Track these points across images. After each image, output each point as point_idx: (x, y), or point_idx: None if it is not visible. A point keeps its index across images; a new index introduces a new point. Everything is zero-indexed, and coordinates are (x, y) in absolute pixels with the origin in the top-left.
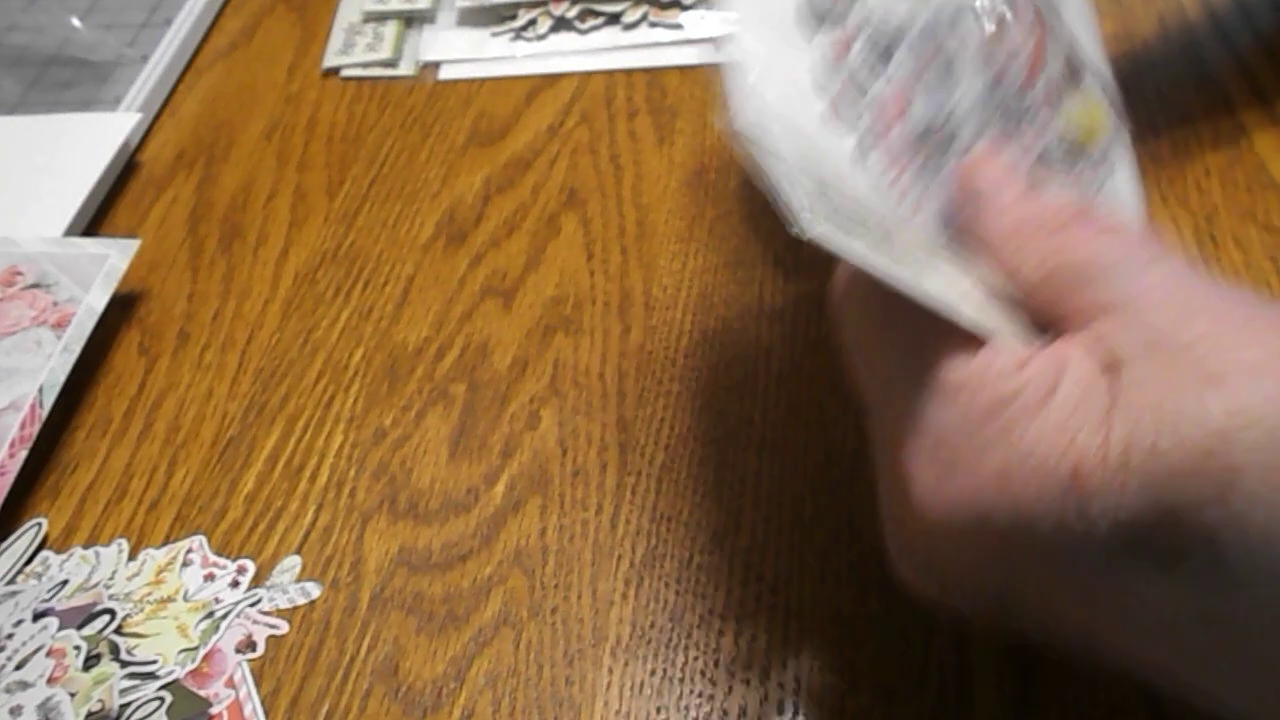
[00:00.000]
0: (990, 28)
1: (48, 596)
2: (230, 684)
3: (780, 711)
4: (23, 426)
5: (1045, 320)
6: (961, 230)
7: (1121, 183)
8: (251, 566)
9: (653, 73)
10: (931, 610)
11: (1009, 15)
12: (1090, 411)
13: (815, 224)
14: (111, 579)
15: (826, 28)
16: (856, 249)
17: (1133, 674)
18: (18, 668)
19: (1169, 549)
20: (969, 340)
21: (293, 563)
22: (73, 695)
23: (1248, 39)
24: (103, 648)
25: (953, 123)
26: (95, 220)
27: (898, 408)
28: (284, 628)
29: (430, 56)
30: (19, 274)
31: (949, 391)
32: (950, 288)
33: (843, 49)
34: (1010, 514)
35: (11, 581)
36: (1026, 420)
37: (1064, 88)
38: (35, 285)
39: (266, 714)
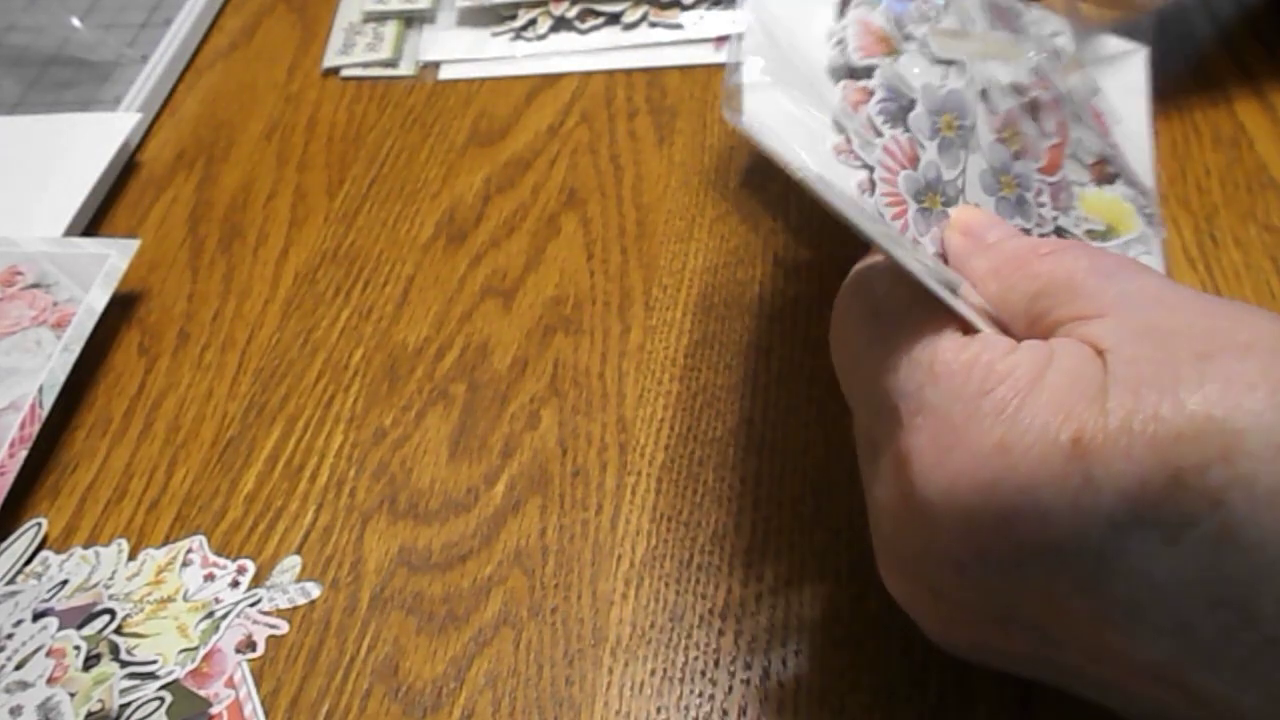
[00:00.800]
0: (1011, 105)
1: (47, 596)
2: (230, 684)
3: (780, 711)
4: (22, 426)
5: (1031, 337)
6: (952, 265)
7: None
8: (251, 566)
9: (653, 73)
10: (927, 639)
11: (1033, 99)
12: (1086, 385)
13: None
14: (111, 579)
15: (849, 80)
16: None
17: (1134, 708)
18: (17, 668)
19: (1175, 515)
20: (962, 330)
21: (293, 563)
22: (73, 695)
23: (1248, 38)
24: (103, 648)
25: (959, 184)
26: (95, 220)
27: (894, 398)
28: (284, 628)
29: (430, 56)
30: (19, 274)
31: (946, 375)
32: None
33: (862, 99)
34: (1013, 486)
35: (11, 581)
36: (1021, 396)
37: (1089, 183)
38: (35, 285)
39: (266, 714)
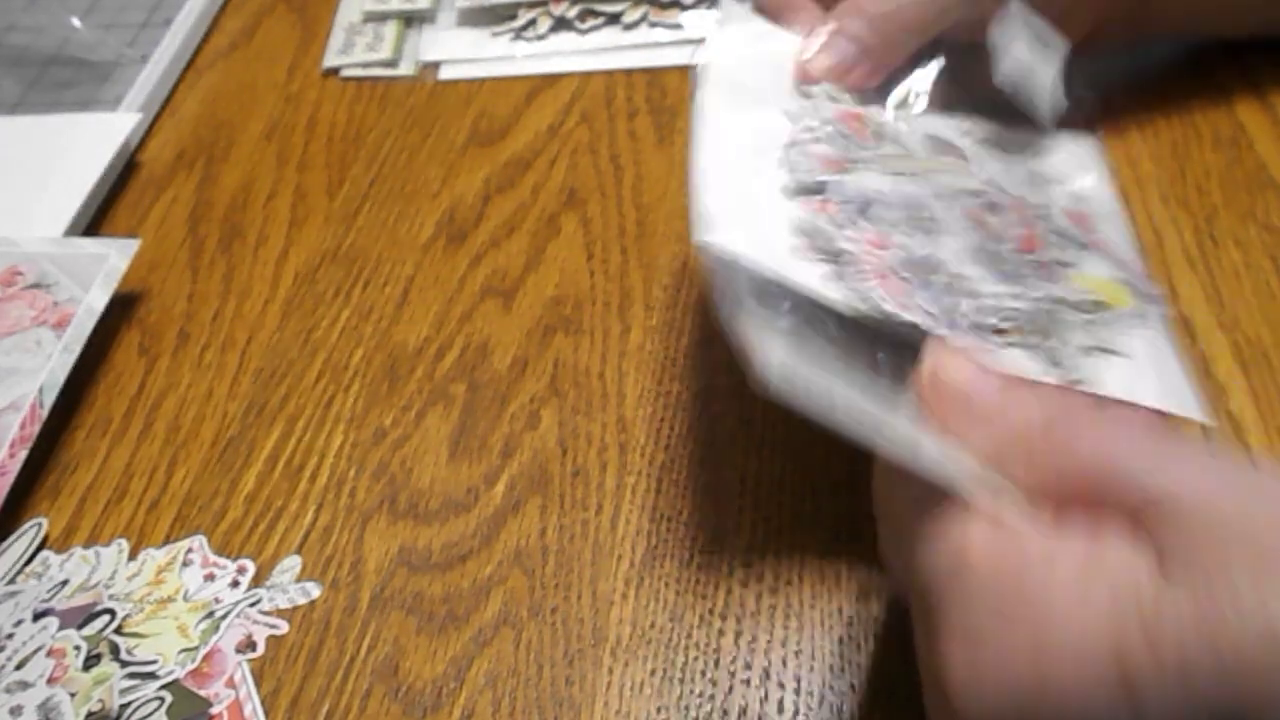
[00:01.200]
0: (969, 204)
1: (48, 596)
2: (230, 684)
3: (780, 711)
4: (23, 426)
5: (1065, 514)
6: (942, 433)
7: (1153, 347)
8: (251, 566)
9: (653, 73)
10: None
11: (991, 201)
12: (1136, 602)
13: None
14: (111, 579)
15: (807, 196)
16: (825, 386)
17: None
18: (18, 668)
19: None
20: (991, 511)
21: (293, 563)
22: (73, 695)
23: (1247, 39)
24: (103, 648)
25: (941, 256)
26: (95, 220)
27: (928, 593)
28: (284, 628)
29: (430, 56)
30: (19, 274)
31: (975, 572)
32: (950, 459)
33: (822, 208)
34: (1053, 707)
35: (11, 581)
36: (1060, 608)
37: (1073, 264)
38: (35, 285)
39: (266, 714)
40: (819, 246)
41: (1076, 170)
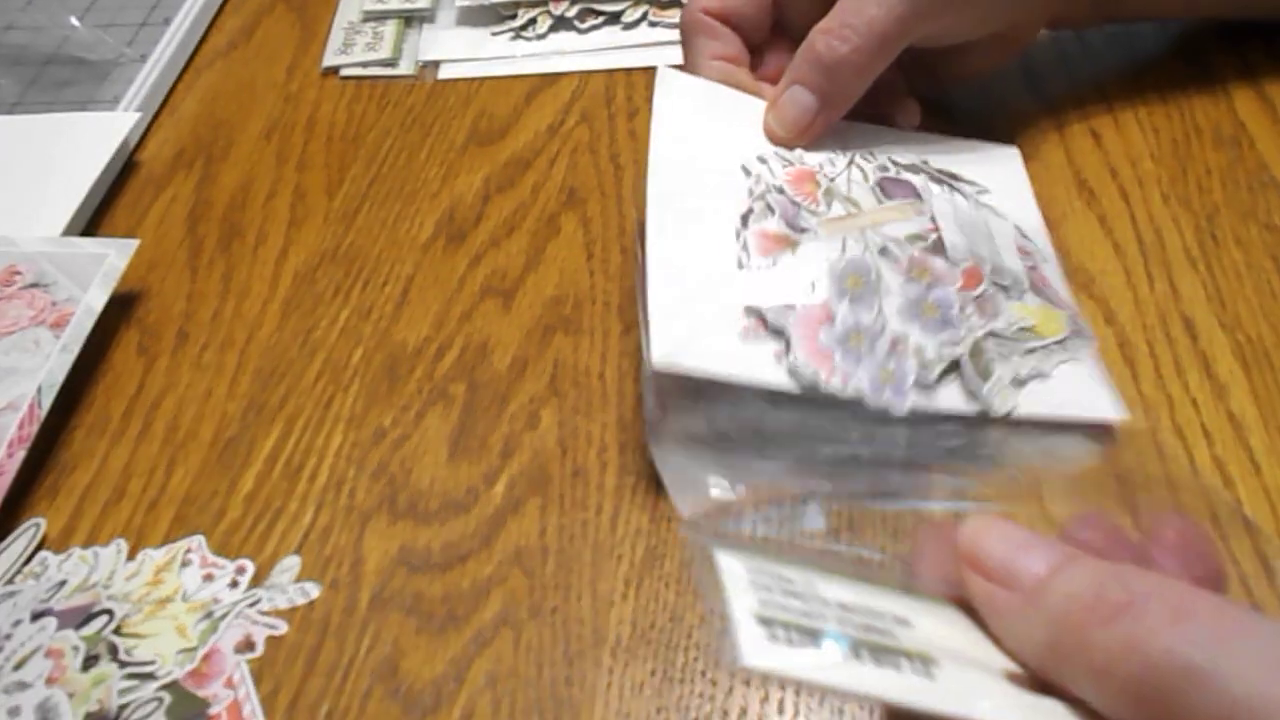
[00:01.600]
0: (912, 251)
1: (46, 597)
2: (229, 684)
3: (780, 711)
4: (21, 426)
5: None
6: (981, 614)
7: (1085, 374)
8: (251, 566)
9: (653, 72)
10: None
11: (937, 239)
12: None
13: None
14: (110, 579)
15: (756, 270)
16: (811, 666)
17: None
18: (16, 668)
19: None
20: None
21: (292, 563)
22: (71, 696)
23: (1249, 36)
24: (101, 648)
25: (880, 323)
26: (94, 220)
27: None
28: (283, 628)
29: (430, 56)
30: (17, 274)
31: None
32: (972, 683)
33: (771, 281)
34: None
35: (10, 582)
36: None
37: (1012, 293)
38: (34, 285)
39: (266, 714)
40: (771, 321)
41: (1020, 209)
